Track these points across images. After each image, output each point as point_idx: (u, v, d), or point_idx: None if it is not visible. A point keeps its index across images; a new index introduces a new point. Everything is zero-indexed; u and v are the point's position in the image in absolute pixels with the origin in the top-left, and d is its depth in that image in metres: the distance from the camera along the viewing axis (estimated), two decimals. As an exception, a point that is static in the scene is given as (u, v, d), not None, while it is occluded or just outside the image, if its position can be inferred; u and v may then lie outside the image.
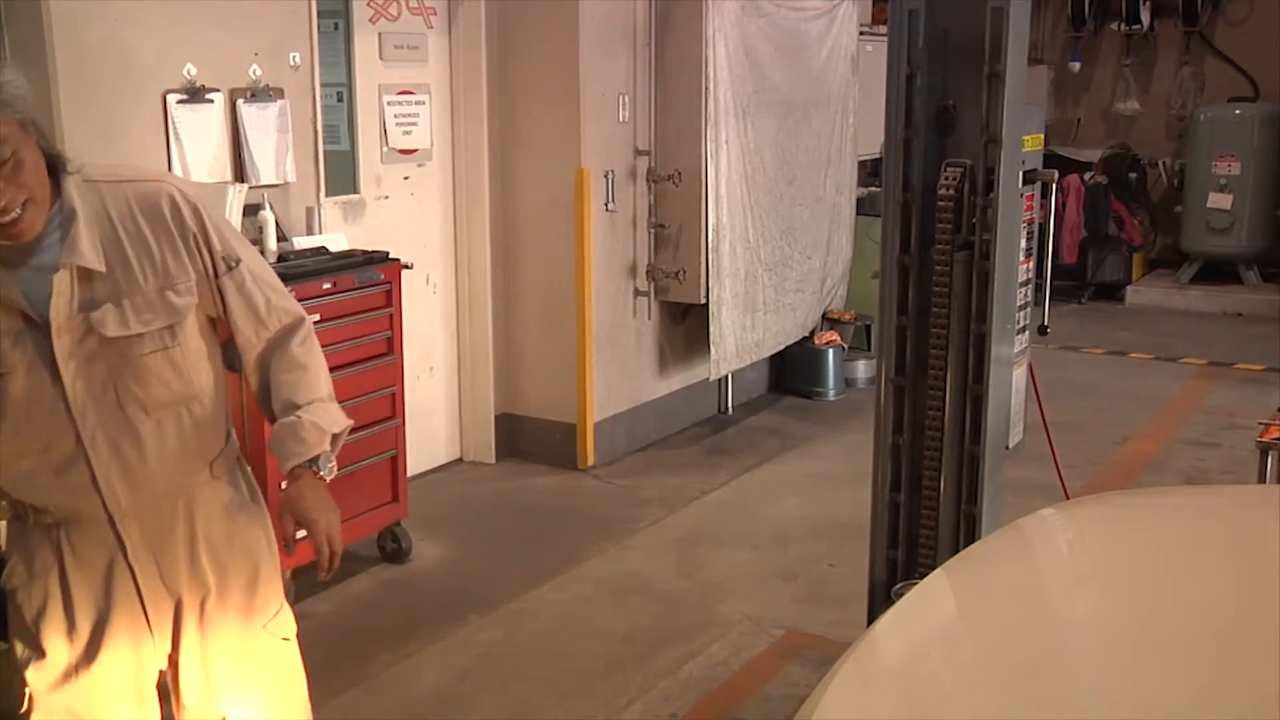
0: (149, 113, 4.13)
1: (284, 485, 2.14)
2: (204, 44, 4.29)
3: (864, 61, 6.83)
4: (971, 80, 3.15)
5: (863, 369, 6.99)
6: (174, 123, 4.19)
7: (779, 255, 6.29)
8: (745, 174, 5.90)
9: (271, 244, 4.25)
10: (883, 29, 6.27)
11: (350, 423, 2.23)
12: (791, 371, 6.93)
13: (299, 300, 4.11)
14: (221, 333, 2.17)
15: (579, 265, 5.50)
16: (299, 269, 4.20)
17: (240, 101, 4.41)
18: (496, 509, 5.29)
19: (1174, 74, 9.96)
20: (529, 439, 5.78)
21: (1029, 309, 3.63)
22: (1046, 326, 3.74)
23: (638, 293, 5.88)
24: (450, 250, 5.65)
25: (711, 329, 5.79)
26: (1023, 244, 3.43)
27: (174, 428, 2.05)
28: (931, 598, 2.04)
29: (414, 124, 5.34)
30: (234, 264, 2.09)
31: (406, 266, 4.61)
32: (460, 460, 5.82)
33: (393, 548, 4.63)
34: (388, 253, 4.56)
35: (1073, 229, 9.43)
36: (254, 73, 4.47)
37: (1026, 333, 3.62)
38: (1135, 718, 1.61)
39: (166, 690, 2.22)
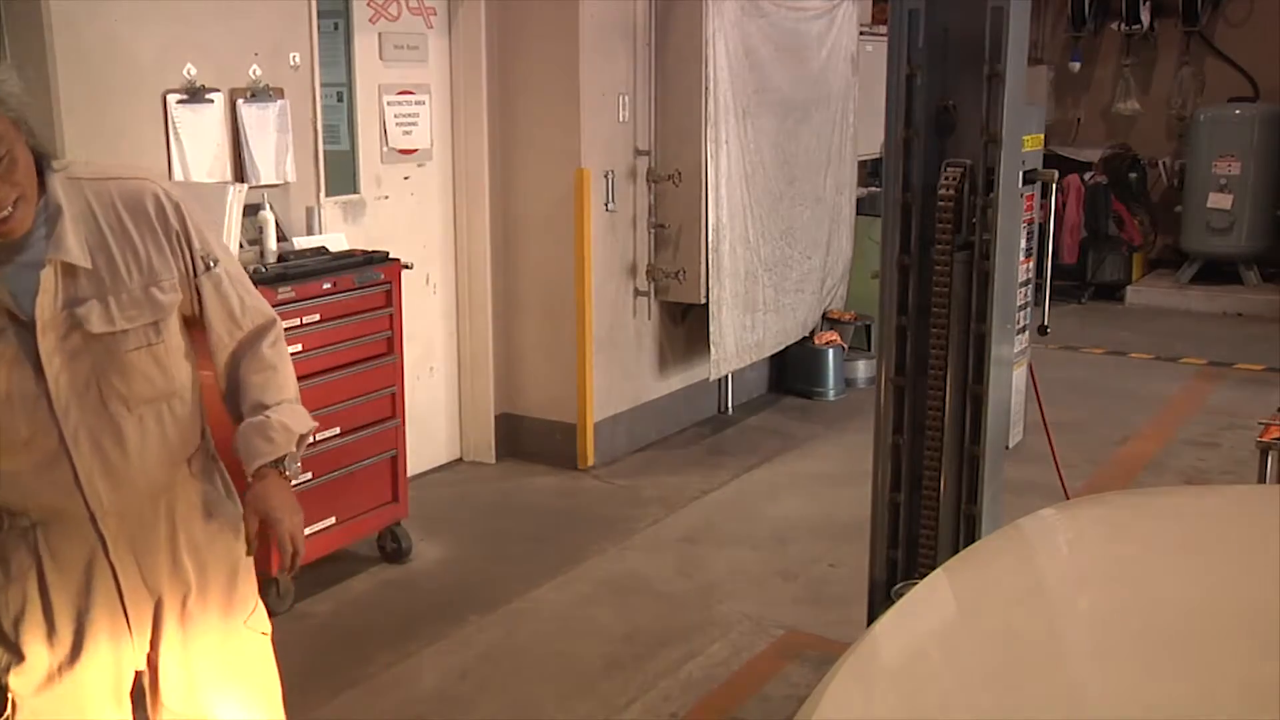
0: (149, 113, 4.13)
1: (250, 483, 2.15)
2: (204, 44, 4.29)
3: (864, 61, 6.83)
4: (971, 80, 3.15)
5: (863, 369, 6.99)
6: (174, 123, 4.19)
7: (779, 255, 6.29)
8: (745, 174, 5.90)
9: (271, 244, 4.25)
10: (883, 29, 6.27)
11: (315, 424, 2.25)
12: (791, 371, 6.93)
13: (299, 300, 4.18)
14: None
15: (579, 265, 5.50)
16: (299, 269, 4.20)
17: (240, 101, 4.41)
18: (496, 509, 5.29)
19: (1174, 74, 9.96)
20: (529, 439, 5.78)
21: (1029, 309, 3.63)
22: (1046, 326, 3.74)
23: (638, 293, 5.88)
24: (450, 250, 5.65)
25: (711, 329, 5.79)
26: (1023, 244, 3.43)
27: (155, 425, 2.05)
28: (931, 598, 2.04)
29: (414, 124, 5.34)
30: (212, 264, 2.10)
31: (406, 266, 4.61)
32: (460, 460, 5.82)
33: (393, 548, 4.63)
34: (388, 253, 4.56)
35: (1073, 229, 9.43)
36: (254, 73, 4.48)
37: (1026, 333, 3.62)
38: (1135, 717, 1.61)
39: (140, 692, 2.21)
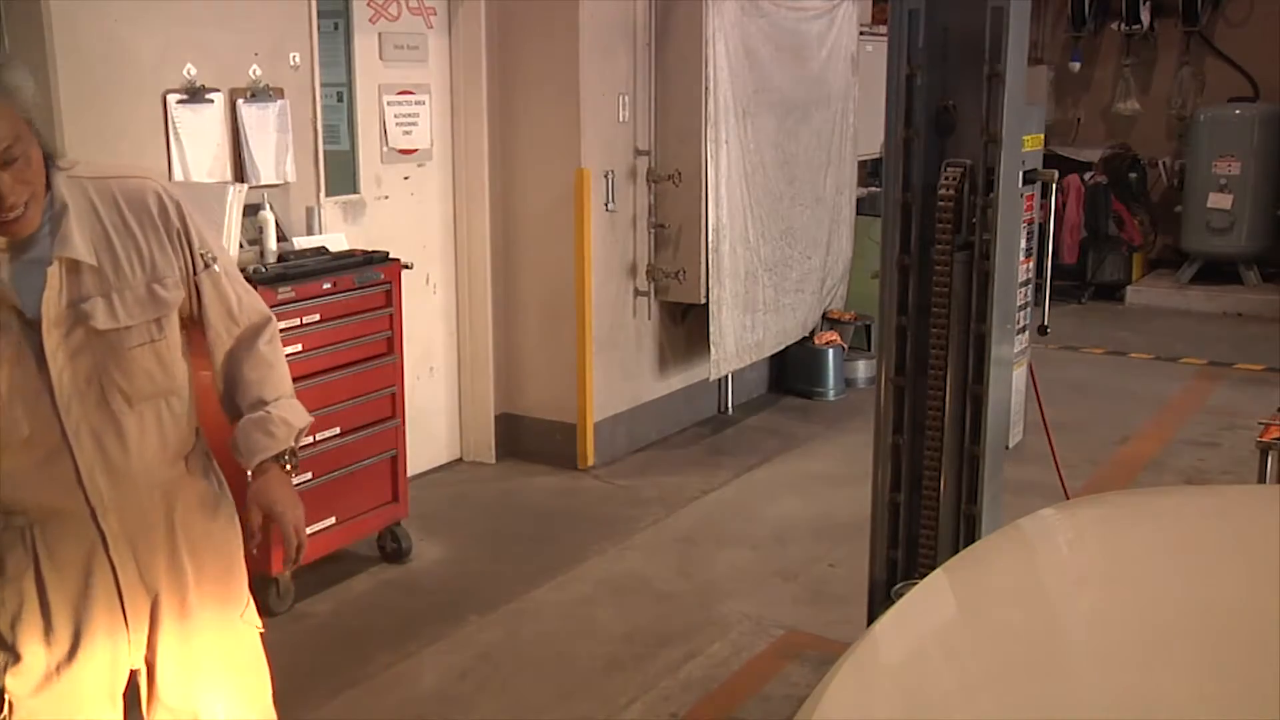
0: (149, 113, 4.13)
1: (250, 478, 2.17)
2: (204, 44, 4.29)
3: (864, 61, 6.83)
4: (971, 80, 3.15)
5: (863, 369, 6.99)
6: (174, 123, 4.19)
7: (779, 255, 6.29)
8: (745, 174, 5.90)
9: (271, 244, 4.25)
10: (883, 29, 6.27)
11: (312, 420, 2.28)
12: (791, 371, 6.93)
13: (299, 300, 4.18)
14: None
15: (579, 265, 5.50)
16: (299, 269, 4.20)
17: (240, 101, 4.41)
18: (496, 509, 5.29)
19: (1174, 74, 9.96)
20: (529, 439, 5.78)
21: (1029, 309, 3.63)
22: (1046, 326, 3.74)
23: (638, 293, 5.89)
24: (450, 250, 5.66)
25: (711, 329, 5.79)
26: (1023, 244, 3.43)
27: (154, 422, 2.07)
28: (931, 598, 2.04)
29: (414, 124, 5.34)
30: (211, 261, 2.13)
31: (406, 266, 4.61)
32: (460, 460, 5.82)
33: (393, 548, 4.63)
34: (387, 253, 4.56)
35: (1073, 229, 9.43)
36: (254, 73, 4.48)
37: (1026, 333, 3.62)
38: (1135, 717, 1.61)
39: (131, 692, 2.21)
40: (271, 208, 4.32)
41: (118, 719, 2.19)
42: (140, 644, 2.14)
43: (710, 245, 5.71)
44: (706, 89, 5.55)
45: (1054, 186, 3.64)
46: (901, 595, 2.10)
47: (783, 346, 6.58)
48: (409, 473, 4.74)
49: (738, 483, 5.58)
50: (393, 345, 4.51)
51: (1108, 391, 7.04)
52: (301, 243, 4.49)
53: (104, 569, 2.06)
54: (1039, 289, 3.70)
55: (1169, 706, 1.62)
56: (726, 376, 6.29)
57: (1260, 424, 3.74)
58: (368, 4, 5.09)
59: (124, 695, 2.21)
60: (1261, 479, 3.60)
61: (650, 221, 5.86)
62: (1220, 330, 8.72)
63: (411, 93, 5.32)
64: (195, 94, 4.25)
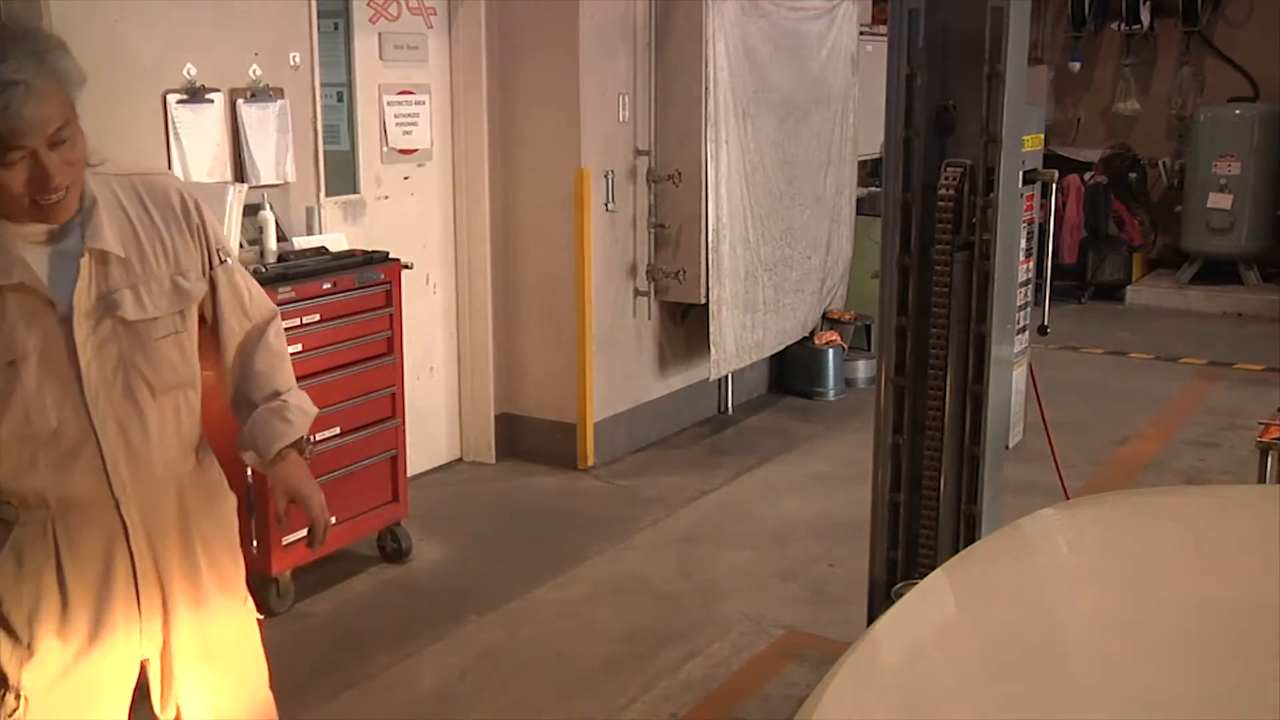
0: (149, 113, 4.13)
1: (270, 466, 2.22)
2: (204, 44, 4.29)
3: (864, 61, 6.83)
4: (971, 80, 3.15)
5: (863, 369, 6.99)
6: (174, 123, 4.19)
7: (779, 255, 6.29)
8: (745, 174, 5.90)
9: (271, 244, 4.25)
10: (883, 29, 6.27)
11: (316, 409, 2.34)
12: (791, 371, 6.93)
13: (299, 300, 4.19)
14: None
15: (579, 265, 5.50)
16: (299, 269, 4.20)
17: (240, 101, 4.41)
18: (496, 509, 5.29)
19: (1174, 74, 9.96)
20: (529, 439, 5.78)
21: (1029, 309, 3.63)
22: (1046, 326, 3.74)
23: (638, 293, 5.88)
24: (450, 250, 5.66)
25: (711, 329, 5.79)
26: (1023, 244, 3.43)
27: (173, 413, 2.10)
28: (931, 598, 2.04)
29: (414, 124, 5.34)
30: (225, 258, 2.19)
31: (406, 266, 4.61)
32: (460, 460, 5.82)
33: (393, 548, 4.63)
34: (387, 253, 4.56)
35: (1073, 229, 9.43)
36: (254, 73, 4.48)
37: (1026, 333, 3.63)
38: (1135, 717, 1.61)
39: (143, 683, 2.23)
40: (271, 208, 4.32)
41: (125, 710, 2.19)
42: (152, 634, 2.15)
43: (710, 245, 5.71)
44: (706, 89, 5.55)
45: (1054, 186, 3.64)
46: (901, 595, 2.10)
47: (783, 346, 6.58)
48: (409, 473, 4.74)
49: (738, 483, 5.58)
50: (393, 345, 4.51)
51: (1108, 391, 7.04)
52: (301, 243, 4.49)
53: (124, 559, 2.07)
54: (1039, 289, 3.70)
55: (1169, 706, 1.62)
56: (726, 376, 6.29)
57: (1260, 424, 3.74)
58: (368, 4, 5.09)
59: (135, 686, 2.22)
60: (1261, 479, 3.60)
61: (650, 221, 5.86)
62: (1220, 330, 8.72)
63: (411, 93, 5.32)
64: (195, 94, 4.25)
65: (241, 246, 4.15)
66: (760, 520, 5.10)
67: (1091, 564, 2.21)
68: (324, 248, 4.48)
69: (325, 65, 4.84)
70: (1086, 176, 9.53)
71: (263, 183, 4.47)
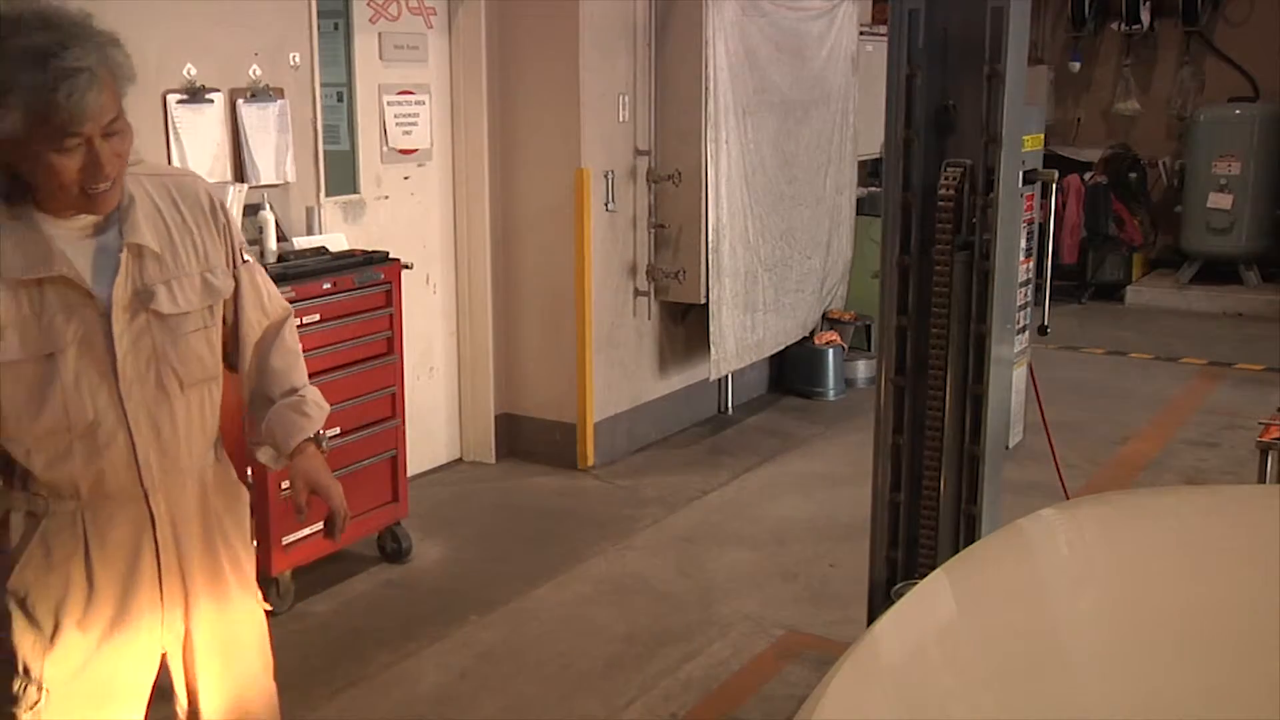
0: (149, 113, 4.13)
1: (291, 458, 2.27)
2: (204, 44, 4.29)
3: (864, 61, 6.83)
4: (971, 80, 3.15)
5: (863, 369, 6.99)
6: (174, 122, 4.19)
7: (779, 255, 6.29)
8: (745, 174, 5.90)
9: (271, 244, 4.25)
10: (883, 29, 6.27)
11: (329, 405, 2.39)
12: (791, 371, 6.93)
13: (299, 300, 4.20)
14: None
15: (579, 265, 5.50)
16: (299, 269, 4.20)
17: (240, 101, 4.41)
18: (496, 509, 5.29)
19: (1174, 74, 9.96)
20: (529, 439, 5.78)
21: (1029, 309, 3.64)
22: (1046, 326, 3.75)
23: (638, 293, 5.89)
24: (450, 250, 5.66)
25: (711, 329, 5.79)
26: (1023, 244, 3.43)
27: (198, 407, 2.15)
28: (931, 598, 2.04)
29: (414, 124, 5.34)
30: (246, 257, 2.25)
31: (406, 266, 4.61)
32: (460, 460, 5.82)
33: (393, 548, 4.63)
34: (387, 253, 4.56)
35: (1073, 229, 9.43)
36: (254, 73, 4.48)
37: (1026, 333, 3.63)
38: (1135, 717, 1.61)
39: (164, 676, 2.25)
40: (271, 208, 4.32)
41: (144, 706, 2.22)
42: (173, 626, 2.17)
43: (710, 245, 5.71)
44: (706, 89, 5.56)
45: (1054, 186, 3.65)
46: (901, 595, 2.10)
47: (783, 346, 6.58)
48: (409, 473, 4.74)
49: (738, 483, 5.58)
50: (393, 345, 4.51)
51: (1108, 391, 7.04)
52: (301, 243, 4.49)
53: (150, 550, 2.10)
54: (1039, 289, 3.71)
55: (1169, 706, 1.62)
56: (726, 376, 6.29)
57: (1260, 424, 3.74)
58: (368, 4, 5.09)
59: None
60: (1261, 479, 3.60)
61: (650, 221, 5.86)
62: (1220, 330, 8.72)
63: (411, 93, 5.32)
64: (195, 94, 4.25)
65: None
66: (760, 520, 5.10)
67: (1091, 564, 2.21)
68: (324, 248, 4.48)
69: (325, 65, 4.84)
70: (1086, 176, 9.53)
71: (263, 183, 4.47)
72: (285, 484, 3.80)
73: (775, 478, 5.64)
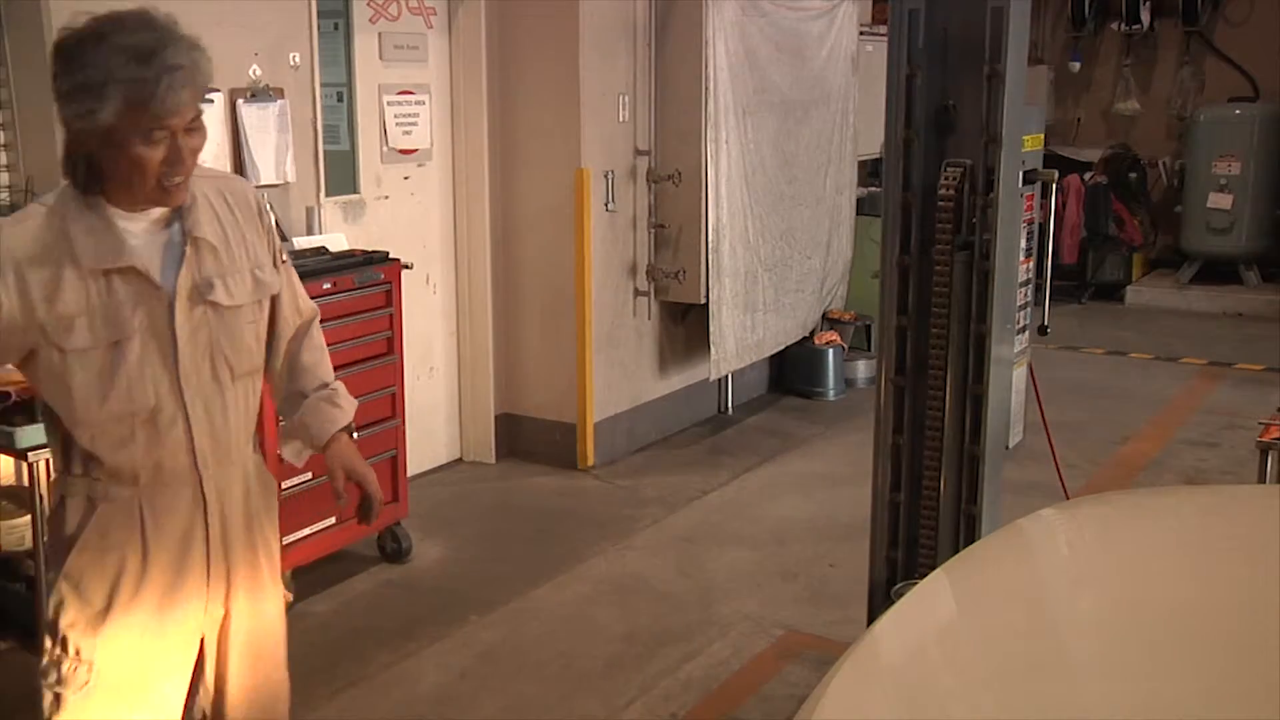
0: (149, 113, 4.12)
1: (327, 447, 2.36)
2: (204, 44, 4.27)
3: (864, 61, 6.83)
4: (971, 80, 3.15)
5: (863, 369, 6.99)
6: (174, 123, 4.18)
7: (779, 255, 6.29)
8: (745, 174, 5.90)
9: (271, 244, 4.24)
10: (883, 29, 6.27)
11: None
12: (791, 371, 6.93)
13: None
14: None
15: (579, 265, 5.50)
16: (299, 269, 4.15)
17: (240, 101, 4.41)
18: (496, 509, 5.29)
19: (1174, 74, 9.96)
20: (529, 439, 5.78)
21: (1029, 309, 3.63)
22: (1046, 326, 3.75)
23: (638, 293, 5.89)
24: (450, 250, 5.66)
25: (711, 329, 5.79)
26: (1023, 244, 3.43)
27: (244, 398, 2.23)
28: (931, 598, 2.04)
29: (414, 124, 5.34)
30: (285, 258, 2.36)
31: (406, 266, 4.61)
32: (460, 460, 5.82)
33: (393, 548, 4.63)
34: (388, 253, 4.56)
35: (1073, 229, 9.43)
36: (254, 73, 4.48)
37: (1026, 333, 3.63)
38: (1135, 718, 1.61)
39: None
40: (271, 208, 4.27)
41: (185, 688, 2.27)
42: (214, 610, 2.24)
43: (710, 245, 5.71)
44: (706, 89, 5.55)
45: (1054, 186, 3.65)
46: (901, 595, 2.10)
47: (783, 346, 6.58)
48: (409, 473, 4.74)
49: (738, 483, 5.58)
50: (393, 345, 4.51)
51: (1108, 391, 7.04)
52: (301, 243, 4.50)
53: (200, 536, 2.17)
54: (1039, 289, 3.71)
55: (1169, 706, 1.62)
56: (726, 376, 6.29)
57: (1260, 424, 3.74)
58: (368, 4, 5.09)
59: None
60: (1261, 479, 3.60)
61: (650, 221, 5.86)
62: (1220, 330, 8.72)
63: (411, 93, 5.32)
64: (195, 94, 4.24)
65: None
66: (760, 520, 5.10)
67: (1091, 564, 2.21)
68: (324, 248, 4.48)
69: (325, 65, 4.84)
70: (1086, 176, 9.53)
71: (263, 183, 4.47)
72: (284, 483, 3.80)
73: (775, 478, 5.64)
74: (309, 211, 4.67)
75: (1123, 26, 9.84)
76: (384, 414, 4.51)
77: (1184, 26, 9.69)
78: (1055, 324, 4.13)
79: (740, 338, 6.03)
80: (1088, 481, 5.36)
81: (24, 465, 3.36)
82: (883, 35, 5.86)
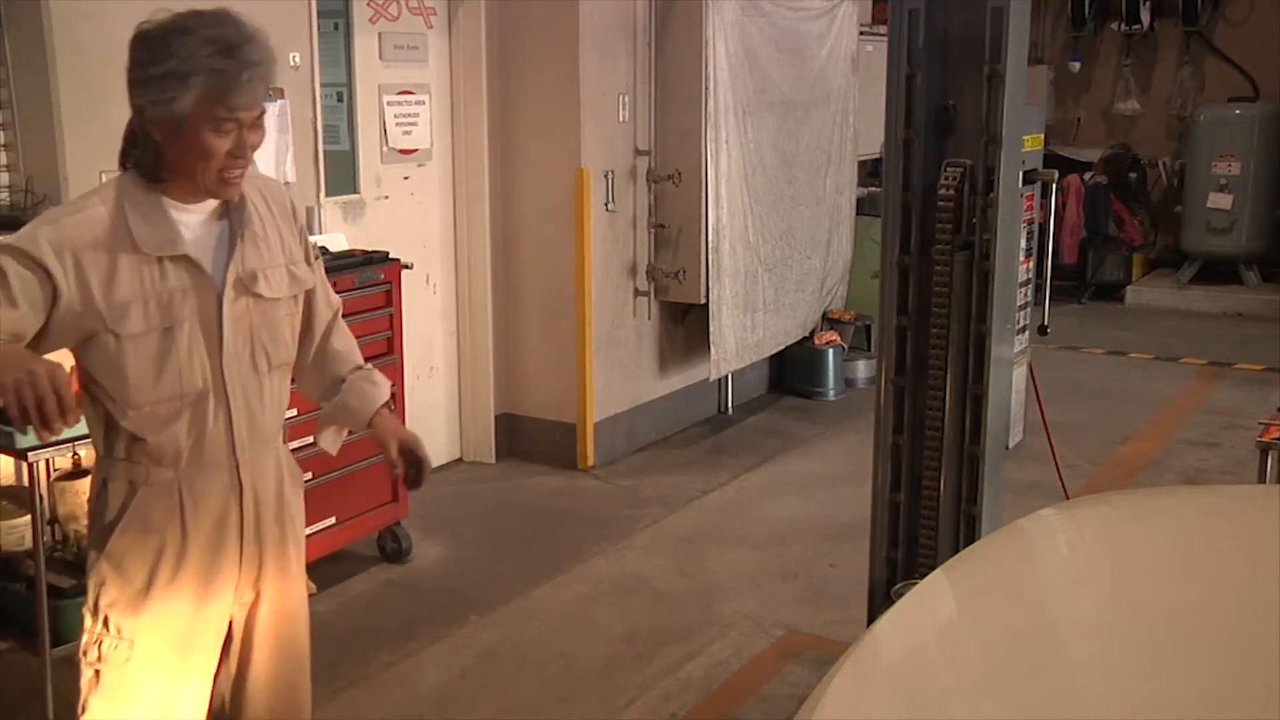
0: (149, 113, 4.12)
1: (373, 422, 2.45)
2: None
3: (864, 61, 6.83)
4: (971, 80, 3.15)
5: (863, 369, 6.99)
6: (174, 123, 4.18)
7: (779, 255, 6.29)
8: (745, 174, 5.90)
9: (271, 244, 4.24)
10: (883, 29, 6.27)
11: None
12: (791, 371, 6.93)
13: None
14: None
15: (579, 265, 5.50)
16: (299, 269, 4.19)
17: (240, 101, 4.40)
18: (496, 509, 5.29)
19: (1174, 74, 9.96)
20: (529, 439, 5.78)
21: (1029, 309, 3.64)
22: (1046, 326, 3.75)
23: (638, 293, 5.89)
24: (450, 250, 5.66)
25: (711, 329, 5.79)
26: (1023, 244, 3.43)
27: (277, 388, 2.30)
28: (931, 598, 2.04)
29: (414, 124, 5.34)
30: (316, 256, 2.43)
31: (406, 266, 4.61)
32: (460, 460, 5.82)
33: (393, 548, 4.63)
34: (387, 253, 4.56)
35: (1073, 229, 9.43)
36: (254, 73, 4.47)
37: (1026, 333, 3.63)
38: (1135, 718, 1.61)
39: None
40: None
41: (214, 666, 2.32)
42: (244, 594, 2.30)
43: (710, 245, 5.71)
44: (706, 89, 5.55)
45: (1054, 186, 3.65)
46: (901, 595, 2.10)
47: (783, 346, 6.58)
48: (409, 473, 4.73)
49: (738, 483, 5.58)
50: (393, 345, 4.51)
51: (1108, 391, 7.04)
52: (301, 243, 4.49)
53: (235, 520, 2.24)
54: (1039, 289, 3.71)
55: (1169, 706, 1.62)
56: (726, 376, 6.29)
57: (1260, 424, 3.74)
58: (368, 4, 5.09)
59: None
60: (1261, 479, 3.60)
61: (650, 221, 5.86)
62: (1220, 330, 8.72)
63: (411, 93, 5.32)
64: (195, 94, 4.24)
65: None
66: (760, 520, 5.10)
67: (1091, 564, 2.21)
68: (324, 248, 4.47)
69: (325, 65, 4.84)
70: (1086, 176, 9.53)
71: (263, 183, 4.46)
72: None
73: (775, 478, 5.64)
74: (309, 211, 4.67)
75: (1123, 26, 9.84)
76: (384, 414, 4.50)
77: (1184, 26, 9.69)
78: (1055, 324, 4.13)
79: (740, 338, 6.03)
80: (1088, 481, 5.36)
81: (24, 465, 3.36)
82: (883, 35, 5.86)
